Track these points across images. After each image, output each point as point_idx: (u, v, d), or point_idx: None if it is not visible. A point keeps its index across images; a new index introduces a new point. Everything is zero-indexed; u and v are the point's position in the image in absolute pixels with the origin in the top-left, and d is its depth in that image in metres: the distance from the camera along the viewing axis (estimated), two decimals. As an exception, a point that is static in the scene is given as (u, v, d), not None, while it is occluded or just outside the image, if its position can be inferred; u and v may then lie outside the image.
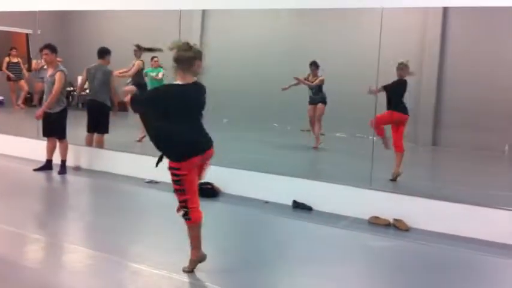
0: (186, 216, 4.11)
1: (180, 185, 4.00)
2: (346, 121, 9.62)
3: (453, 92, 10.38)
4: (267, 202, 6.24)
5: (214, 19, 12.53)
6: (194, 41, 12.30)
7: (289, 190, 6.19)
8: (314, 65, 9.31)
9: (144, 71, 9.68)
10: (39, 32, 9.52)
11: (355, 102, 8.86)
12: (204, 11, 11.42)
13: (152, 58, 9.81)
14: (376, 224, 5.61)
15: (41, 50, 7.09)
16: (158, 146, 4.07)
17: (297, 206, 6.08)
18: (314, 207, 6.03)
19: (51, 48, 7.06)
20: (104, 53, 7.75)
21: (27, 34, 14.34)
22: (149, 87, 10.22)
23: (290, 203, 6.13)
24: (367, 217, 5.70)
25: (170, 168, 4.02)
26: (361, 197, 5.88)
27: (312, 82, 9.26)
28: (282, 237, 5.23)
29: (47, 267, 4.22)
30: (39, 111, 7.13)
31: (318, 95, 9.35)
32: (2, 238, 4.76)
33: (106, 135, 7.80)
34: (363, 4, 6.21)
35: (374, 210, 5.71)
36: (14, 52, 13.40)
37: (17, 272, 4.07)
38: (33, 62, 13.20)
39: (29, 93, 13.53)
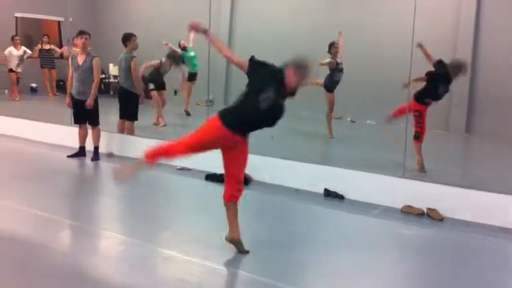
0: None
1: None
2: (376, 108, 9.49)
3: (488, 76, 10.11)
4: (297, 190, 6.20)
5: (243, 2, 12.48)
6: (223, 24, 12.44)
7: (321, 178, 6.13)
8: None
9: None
10: (71, 19, 9.62)
11: (387, 88, 8.75)
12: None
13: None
14: (409, 213, 5.53)
15: (79, 35, 7.13)
16: None
17: (329, 194, 6.03)
18: (346, 195, 5.96)
19: (88, 34, 7.13)
20: (124, 39, 7.70)
21: (59, 21, 14.52)
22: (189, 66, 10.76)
23: (321, 191, 6.08)
24: (400, 206, 5.61)
25: None
26: (393, 185, 5.78)
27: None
28: (313, 225, 5.20)
29: (80, 253, 4.28)
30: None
31: None
32: (36, 223, 4.84)
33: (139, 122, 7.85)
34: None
35: (407, 200, 5.62)
36: (45, 39, 13.56)
37: (51, 257, 4.15)
38: (64, 49, 13.36)
39: (61, 80, 13.70)
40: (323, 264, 4.25)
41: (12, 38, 12.51)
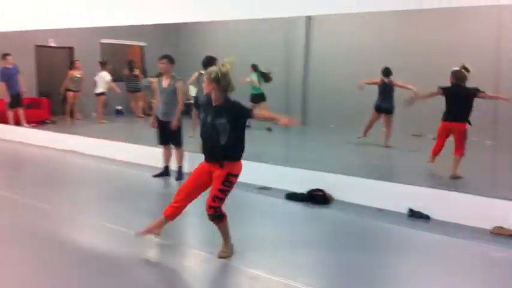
0: (220, 217, 4.45)
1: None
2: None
3: None
4: (381, 210, 6.09)
5: (318, 24, 12.51)
6: (298, 46, 12.44)
7: (405, 198, 5.99)
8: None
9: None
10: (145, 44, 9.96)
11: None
12: (308, 17, 11.42)
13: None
14: (500, 234, 5.28)
15: (160, 59, 7.42)
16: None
17: (413, 214, 5.88)
18: (431, 216, 5.79)
19: (169, 58, 7.38)
20: (207, 62, 7.90)
21: (141, 46, 15.16)
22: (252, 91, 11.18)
23: (405, 211, 5.95)
24: (489, 227, 5.38)
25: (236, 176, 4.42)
26: (483, 205, 5.54)
27: None
28: (397, 246, 5.09)
29: (166, 270, 4.41)
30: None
31: None
32: (124, 240, 5.02)
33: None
34: (479, 2, 5.87)
35: (497, 220, 5.38)
36: (135, 66, 14.23)
37: (138, 273, 4.30)
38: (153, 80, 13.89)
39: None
40: None
41: (100, 63, 13.21)
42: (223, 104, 4.32)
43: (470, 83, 6.98)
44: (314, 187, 6.56)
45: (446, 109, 7.13)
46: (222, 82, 4.25)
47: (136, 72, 14.17)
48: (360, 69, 10.22)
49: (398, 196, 6.06)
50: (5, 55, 11.46)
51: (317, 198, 6.42)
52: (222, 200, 4.40)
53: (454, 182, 6.80)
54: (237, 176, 4.42)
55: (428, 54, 9.90)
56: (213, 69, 4.34)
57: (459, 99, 7.05)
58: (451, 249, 5.05)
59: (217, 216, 4.42)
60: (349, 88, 9.99)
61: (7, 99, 11.43)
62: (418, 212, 5.85)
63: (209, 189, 4.44)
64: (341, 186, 6.50)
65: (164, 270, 4.48)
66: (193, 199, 4.57)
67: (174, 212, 4.59)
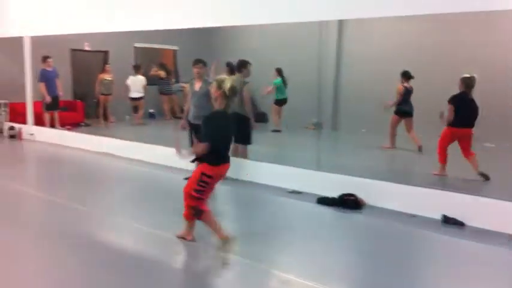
0: (197, 214, 4.77)
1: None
2: (495, 130, 9.00)
3: None
4: (414, 216, 6.01)
5: (350, 28, 12.43)
6: (331, 50, 12.35)
7: (439, 204, 5.90)
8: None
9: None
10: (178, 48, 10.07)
11: (503, 110, 8.30)
12: (340, 21, 11.37)
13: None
14: (538, 242, 5.17)
15: (195, 63, 7.48)
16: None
17: (447, 220, 5.78)
18: (466, 222, 5.69)
19: (204, 62, 7.46)
20: (240, 66, 8.00)
21: (174, 50, 15.35)
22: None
23: (439, 217, 5.86)
24: (527, 235, 5.26)
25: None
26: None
27: None
28: (431, 253, 5.01)
29: (195, 272, 4.44)
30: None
31: None
32: (155, 242, 5.08)
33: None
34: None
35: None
36: (155, 68, 14.43)
37: (167, 275, 4.34)
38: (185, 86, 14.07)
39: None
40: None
41: (134, 67, 13.43)
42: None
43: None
44: (345, 192, 6.52)
45: (457, 116, 7.11)
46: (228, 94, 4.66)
47: (164, 74, 14.36)
48: (392, 73, 10.10)
49: (432, 202, 5.98)
50: (45, 57, 11.76)
51: (349, 203, 6.38)
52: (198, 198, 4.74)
53: (487, 186, 6.68)
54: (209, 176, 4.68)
55: (462, 57, 9.73)
56: (225, 80, 4.68)
57: (469, 105, 7.12)
58: (486, 257, 4.95)
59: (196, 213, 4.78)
60: (381, 92, 9.91)
61: (47, 99, 11.69)
62: (453, 218, 5.75)
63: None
64: (373, 191, 6.44)
65: (194, 272, 4.51)
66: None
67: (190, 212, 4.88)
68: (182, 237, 5.05)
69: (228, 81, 4.65)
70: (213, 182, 4.78)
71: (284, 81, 11.75)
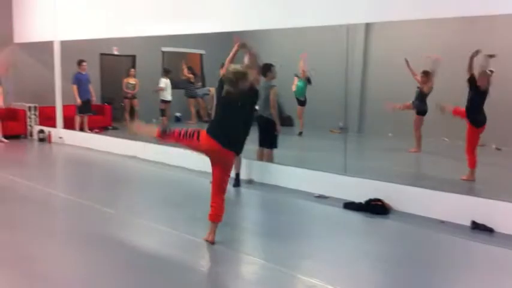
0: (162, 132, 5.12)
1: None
2: None
3: None
4: (442, 222, 5.92)
5: (377, 30, 12.36)
6: (357, 52, 12.30)
7: (468, 209, 5.80)
8: None
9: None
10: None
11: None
12: (367, 24, 11.30)
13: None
14: None
15: (222, 66, 7.50)
16: None
17: (476, 226, 5.68)
18: (496, 229, 5.58)
19: None
20: (264, 69, 7.95)
21: (201, 54, 15.47)
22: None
23: (468, 223, 5.76)
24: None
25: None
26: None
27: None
28: (460, 259, 4.94)
29: (222, 275, 4.45)
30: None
31: None
32: (181, 245, 5.11)
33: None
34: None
35: None
36: (187, 70, 14.57)
37: (192, 278, 4.36)
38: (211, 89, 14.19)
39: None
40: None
41: (165, 70, 13.59)
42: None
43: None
44: (372, 197, 6.47)
45: (481, 113, 7.20)
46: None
47: (193, 78, 14.48)
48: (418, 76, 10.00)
49: (461, 207, 5.88)
50: (81, 61, 12.06)
51: (376, 208, 6.32)
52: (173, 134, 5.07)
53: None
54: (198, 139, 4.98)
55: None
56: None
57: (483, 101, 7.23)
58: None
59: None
60: (408, 96, 9.81)
61: (78, 102, 11.91)
62: (482, 224, 5.65)
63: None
64: (400, 196, 6.37)
65: (219, 276, 4.52)
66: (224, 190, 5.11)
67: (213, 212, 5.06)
68: (209, 241, 5.07)
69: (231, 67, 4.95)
70: (197, 148, 5.00)
71: (309, 81, 12.17)
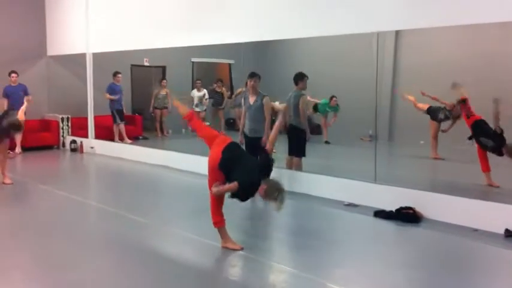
0: None
1: None
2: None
3: None
4: (475, 230, 5.83)
5: (407, 38, 12.25)
6: (387, 59, 12.13)
7: (501, 217, 5.70)
8: None
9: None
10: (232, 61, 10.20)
11: None
12: (397, 31, 11.22)
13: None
14: None
15: (250, 77, 7.54)
16: None
17: (510, 235, 5.57)
18: (530, 237, 5.47)
19: (259, 76, 7.53)
20: (297, 78, 8.00)
21: (229, 64, 15.57)
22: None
23: (502, 231, 5.65)
24: None
25: None
26: None
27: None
28: (494, 268, 4.84)
29: (252, 284, 4.45)
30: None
31: None
32: (212, 253, 5.14)
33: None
34: None
35: None
36: (219, 84, 14.64)
37: (222, 284, 4.41)
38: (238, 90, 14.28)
39: (231, 119, 14.57)
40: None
41: (195, 81, 13.73)
42: None
43: None
44: (403, 205, 6.41)
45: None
46: None
47: (222, 90, 14.57)
48: (449, 84, 9.87)
49: (494, 215, 5.78)
50: (116, 73, 12.43)
51: (407, 216, 6.26)
52: None
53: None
54: None
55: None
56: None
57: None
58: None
59: None
60: (435, 103, 9.69)
61: (108, 96, 12.35)
62: (516, 232, 5.55)
63: None
64: (432, 204, 6.29)
65: (250, 285, 4.52)
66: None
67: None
68: (233, 248, 5.14)
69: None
70: (211, 138, 5.71)
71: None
